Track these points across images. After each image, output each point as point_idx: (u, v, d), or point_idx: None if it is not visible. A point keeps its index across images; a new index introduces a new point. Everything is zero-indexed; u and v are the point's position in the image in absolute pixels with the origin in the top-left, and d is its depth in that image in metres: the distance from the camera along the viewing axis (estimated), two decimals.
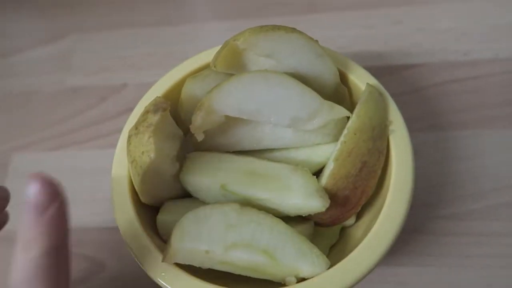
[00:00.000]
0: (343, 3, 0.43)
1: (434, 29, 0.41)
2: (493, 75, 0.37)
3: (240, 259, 0.21)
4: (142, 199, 0.25)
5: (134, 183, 0.24)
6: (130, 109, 0.28)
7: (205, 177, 0.24)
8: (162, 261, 0.21)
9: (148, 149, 0.23)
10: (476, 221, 0.30)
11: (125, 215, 0.24)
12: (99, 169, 0.34)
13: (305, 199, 0.22)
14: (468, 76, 0.37)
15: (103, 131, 0.38)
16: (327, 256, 0.25)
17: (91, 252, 0.32)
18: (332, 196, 0.23)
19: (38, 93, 0.42)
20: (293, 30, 0.24)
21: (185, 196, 0.26)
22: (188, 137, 0.27)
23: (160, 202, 0.26)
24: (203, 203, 0.25)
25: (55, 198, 0.16)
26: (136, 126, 0.24)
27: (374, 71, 0.39)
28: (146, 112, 0.24)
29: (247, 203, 0.23)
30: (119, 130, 0.28)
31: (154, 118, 0.24)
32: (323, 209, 0.22)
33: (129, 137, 0.24)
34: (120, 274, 0.31)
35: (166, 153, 0.24)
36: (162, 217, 0.25)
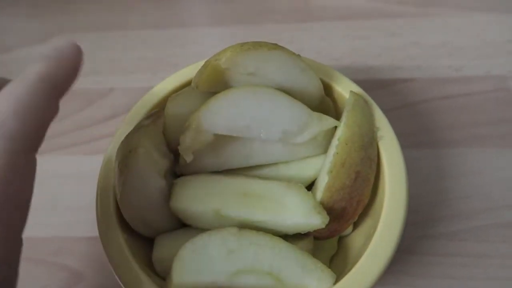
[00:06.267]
0: (339, 12, 0.42)
1: (428, 43, 0.40)
2: (485, 92, 0.36)
3: (246, 285, 0.21)
4: (125, 214, 0.23)
5: (117, 197, 0.23)
6: (117, 115, 0.26)
7: (196, 204, 0.23)
8: None
9: (136, 146, 0.22)
10: (464, 242, 0.29)
11: (115, 244, 0.22)
12: (83, 175, 0.33)
13: (304, 217, 0.21)
14: (459, 93, 0.36)
15: (89, 136, 0.36)
16: (329, 268, 0.25)
17: (71, 262, 0.30)
18: (329, 209, 0.22)
19: None
20: (275, 46, 0.23)
21: (178, 226, 0.25)
22: (177, 159, 0.26)
23: (150, 231, 0.25)
24: (197, 230, 0.23)
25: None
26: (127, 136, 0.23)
27: (366, 84, 0.37)
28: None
29: (244, 227, 0.22)
30: (105, 136, 0.26)
31: (146, 122, 0.23)
32: (323, 226, 0.21)
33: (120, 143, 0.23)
34: (99, 286, 0.29)
35: (154, 160, 0.23)
36: (158, 254, 0.23)
